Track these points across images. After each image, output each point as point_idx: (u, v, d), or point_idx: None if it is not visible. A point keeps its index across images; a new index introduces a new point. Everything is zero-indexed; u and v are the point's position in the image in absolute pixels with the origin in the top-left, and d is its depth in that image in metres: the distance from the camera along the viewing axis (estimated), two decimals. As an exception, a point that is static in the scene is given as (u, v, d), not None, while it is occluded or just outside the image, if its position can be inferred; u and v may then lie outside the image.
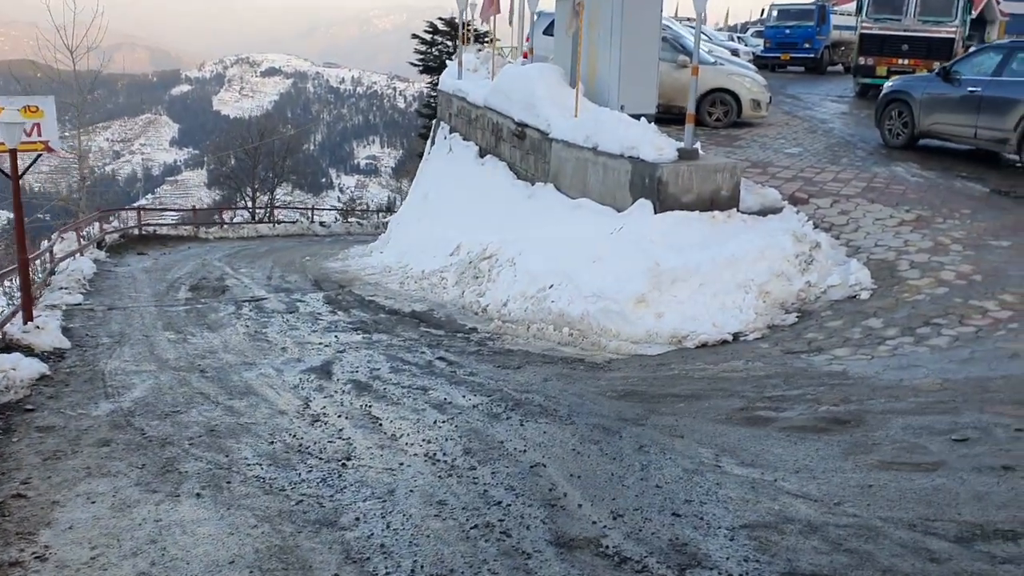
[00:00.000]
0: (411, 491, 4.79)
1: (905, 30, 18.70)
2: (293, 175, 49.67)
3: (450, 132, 18.35)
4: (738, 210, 10.08)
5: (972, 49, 14.81)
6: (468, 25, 22.05)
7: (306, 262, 17.54)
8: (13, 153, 9.09)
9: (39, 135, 9.79)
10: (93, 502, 4.75)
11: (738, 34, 36.51)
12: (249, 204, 40.43)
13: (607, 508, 4.48)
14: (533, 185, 12.99)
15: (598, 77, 12.87)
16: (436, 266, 12.71)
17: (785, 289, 8.66)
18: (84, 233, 19.13)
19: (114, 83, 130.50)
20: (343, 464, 5.28)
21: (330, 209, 45.29)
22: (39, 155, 10.15)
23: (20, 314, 9.46)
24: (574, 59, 12.81)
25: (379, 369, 7.76)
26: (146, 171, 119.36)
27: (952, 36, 18.40)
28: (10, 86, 27.68)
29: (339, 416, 6.30)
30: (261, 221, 33.06)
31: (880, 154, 13.33)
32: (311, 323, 10.23)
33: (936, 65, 14.83)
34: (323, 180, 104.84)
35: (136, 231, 23.26)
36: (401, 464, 5.24)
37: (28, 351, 8.18)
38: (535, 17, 17.38)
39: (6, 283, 14.98)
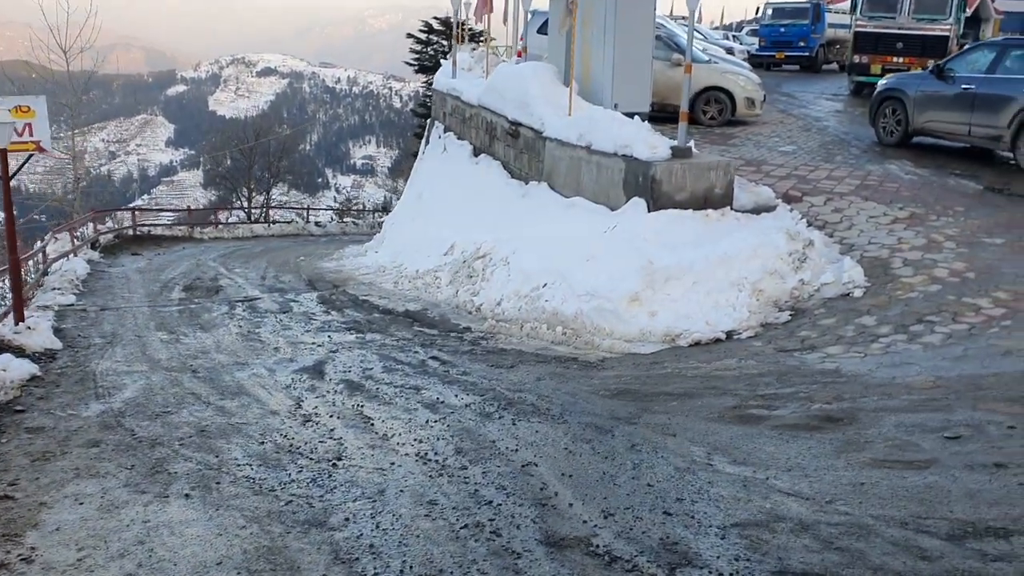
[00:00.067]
0: (401, 491, 4.77)
1: (899, 28, 18.70)
2: (289, 175, 49.60)
3: (444, 131, 18.32)
4: (732, 208, 10.07)
5: (966, 47, 14.81)
6: (463, 24, 22.02)
7: (300, 262, 17.50)
8: (3, 153, 9.05)
9: (31, 135, 9.75)
10: (81, 503, 4.72)
11: (733, 32, 36.49)
12: (245, 204, 40.35)
13: (598, 507, 4.46)
14: (527, 184, 12.97)
15: (592, 76, 12.86)
16: (430, 265, 12.69)
17: (778, 287, 8.65)
18: (78, 234, 19.09)
19: (109, 83, 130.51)
20: (334, 464, 5.25)
21: (326, 209, 45.22)
22: (30, 155, 10.11)
23: (11, 315, 9.43)
24: (568, 58, 12.78)
25: (372, 369, 7.74)
26: (142, 172, 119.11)
27: (946, 34, 18.40)
28: (4, 87, 27.59)
29: (331, 416, 6.27)
30: (256, 221, 33.01)
31: (874, 152, 13.32)
32: (304, 323, 10.20)
33: (930, 63, 14.83)
34: (319, 180, 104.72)
35: (131, 231, 23.20)
36: (392, 464, 5.21)
37: (19, 352, 8.14)
38: (529, 16, 17.36)
39: (-1, 284, 14.93)
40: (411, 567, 3.90)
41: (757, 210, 10.18)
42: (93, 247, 18.99)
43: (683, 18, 25.33)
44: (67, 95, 25.60)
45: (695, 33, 18.11)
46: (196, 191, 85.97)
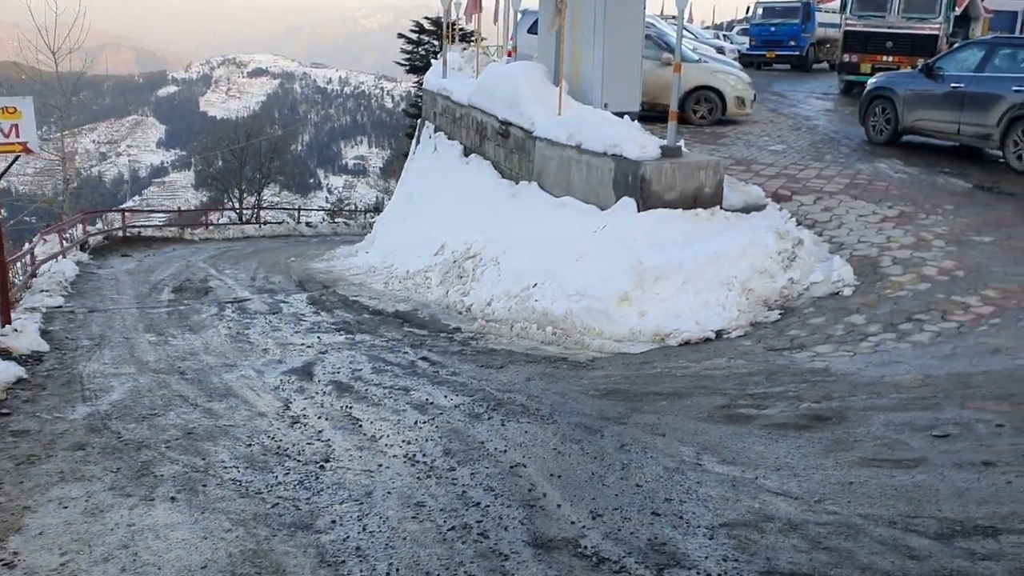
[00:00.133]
0: (389, 493, 4.74)
1: (889, 27, 18.75)
2: (280, 176, 49.41)
3: (435, 131, 18.29)
4: (721, 207, 10.07)
5: (955, 46, 14.84)
6: (454, 25, 21.99)
7: (291, 263, 17.45)
8: (-11, 155, 8.98)
9: (17, 136, 9.66)
10: (65, 507, 4.68)
11: (724, 32, 36.54)
12: (236, 205, 40.23)
13: (586, 508, 4.44)
14: (517, 184, 12.95)
15: (582, 75, 12.84)
16: (421, 266, 12.65)
17: (768, 286, 8.65)
18: (67, 235, 19.01)
19: (99, 84, 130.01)
20: (321, 466, 5.22)
21: (317, 210, 45.14)
22: (17, 157, 10.03)
23: (-2, 317, 9.36)
24: (557, 57, 12.77)
25: (361, 370, 7.70)
26: (133, 173, 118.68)
27: (936, 33, 18.45)
28: (-7, 88, 27.45)
29: (319, 418, 6.24)
30: (247, 222, 32.92)
31: (864, 151, 13.34)
32: (294, 324, 10.16)
33: (920, 62, 14.86)
34: (311, 181, 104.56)
35: (120, 233, 23.10)
36: (380, 466, 5.18)
37: (5, 354, 8.08)
38: (519, 16, 17.34)
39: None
40: (397, 570, 3.87)
41: (747, 209, 10.18)
42: (82, 248, 18.90)
43: (673, 17, 25.36)
44: (56, 96, 25.49)
45: (685, 32, 18.15)
46: (187, 192, 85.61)
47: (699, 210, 9.87)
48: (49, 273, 14.27)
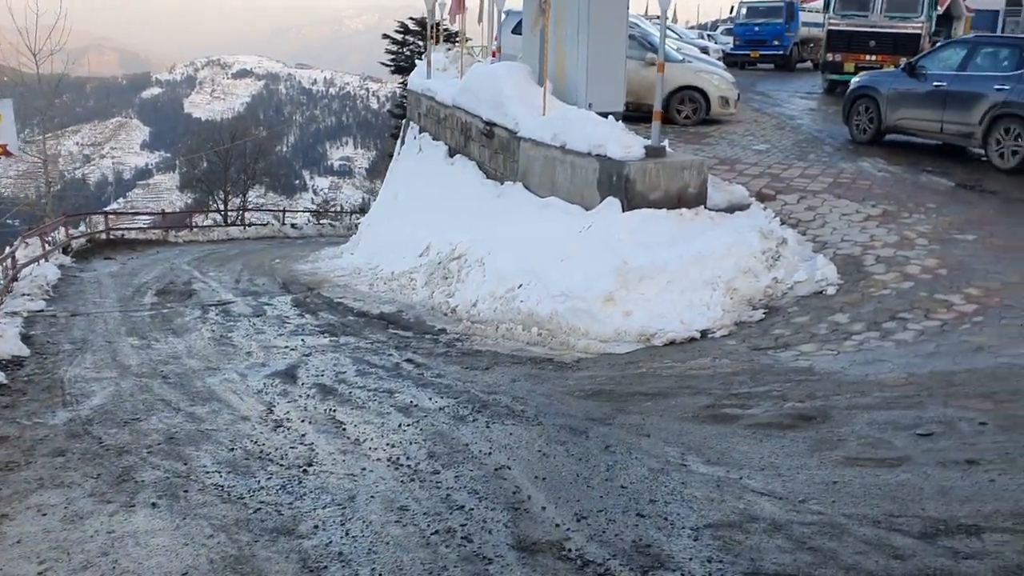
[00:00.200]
0: (372, 497, 4.71)
1: (872, 26, 18.83)
2: (266, 177, 49.30)
3: (420, 132, 18.24)
4: (706, 207, 10.08)
5: (938, 45, 14.91)
6: (438, 25, 21.95)
7: (276, 265, 17.36)
8: (-32, 157, 8.91)
9: (-4, 139, 9.61)
10: (44, 514, 4.63)
11: (708, 32, 36.63)
12: (221, 207, 40.05)
13: (571, 510, 4.42)
14: (502, 184, 12.92)
15: (566, 75, 12.83)
16: (406, 267, 12.61)
17: (752, 286, 8.66)
18: (49, 238, 18.85)
19: (82, 86, 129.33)
20: (304, 470, 5.18)
21: (303, 211, 44.97)
22: (-4, 159, 9.95)
23: (-22, 322, 9.27)
24: (542, 57, 12.75)
25: (345, 372, 7.67)
26: (117, 175, 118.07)
27: (918, 32, 18.55)
28: (-27, 90, 27.22)
29: (302, 421, 6.20)
30: (232, 224, 32.76)
31: (847, 150, 13.38)
32: (278, 326, 10.11)
33: (902, 61, 14.93)
34: (296, 182, 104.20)
35: (104, 236, 22.94)
36: (363, 469, 5.15)
37: (-15, 360, 8.01)
38: (503, 16, 17.32)
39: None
40: (380, 575, 3.84)
41: (731, 209, 10.19)
42: (65, 252, 18.75)
43: (657, 17, 25.39)
44: (38, 98, 25.30)
45: (669, 32, 18.17)
46: (172, 194, 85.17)
47: (683, 210, 9.88)
48: (31, 277, 14.14)
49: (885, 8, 18.70)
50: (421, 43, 35.25)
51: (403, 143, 19.66)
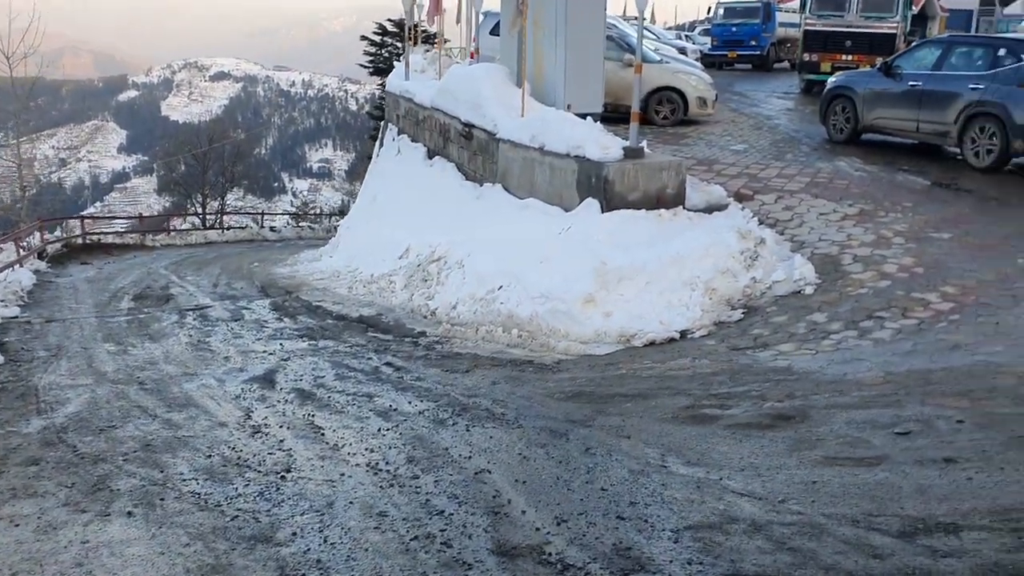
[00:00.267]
0: (351, 503, 4.67)
1: (848, 26, 18.97)
2: (245, 180, 49.01)
3: (398, 134, 18.20)
4: (684, 208, 10.10)
5: (913, 44, 15.03)
6: (416, 27, 21.89)
7: (254, 268, 17.26)
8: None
9: (-33, 143, 9.48)
10: (17, 525, 4.55)
11: (686, 32, 36.78)
12: (199, 210, 39.79)
13: (551, 514, 4.40)
14: (481, 186, 12.90)
15: (544, 77, 12.82)
16: (385, 269, 12.56)
17: (731, 286, 8.68)
18: (24, 244, 18.66)
19: (58, 89, 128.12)
20: (282, 476, 5.13)
21: (282, 213, 44.76)
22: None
23: (-49, 329, 9.15)
24: (520, 59, 12.75)
25: (324, 377, 7.61)
26: (94, 179, 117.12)
27: (893, 32, 18.70)
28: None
29: (280, 427, 6.15)
30: (210, 227, 32.55)
31: (824, 149, 13.46)
32: (256, 331, 10.03)
33: (878, 60, 15.03)
34: (275, 184, 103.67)
35: (80, 240, 22.74)
36: (342, 475, 5.11)
37: (-42, 367, 7.90)
38: (481, 17, 17.30)
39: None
40: (359, 582, 3.81)
41: (709, 209, 10.21)
42: (40, 257, 18.57)
43: (635, 18, 25.45)
44: (12, 102, 25.05)
45: (647, 33, 18.23)
46: (150, 197, 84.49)
47: (662, 210, 9.89)
48: (5, 283, 13.97)
49: (861, 8, 18.84)
50: (399, 45, 35.16)
51: (382, 145, 19.61)
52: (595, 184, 10.09)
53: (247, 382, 7.49)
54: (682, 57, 18.88)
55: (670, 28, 40.73)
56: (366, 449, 5.56)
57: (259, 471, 5.25)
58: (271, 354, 8.65)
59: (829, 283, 8.55)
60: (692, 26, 45.03)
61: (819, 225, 10.00)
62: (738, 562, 3.76)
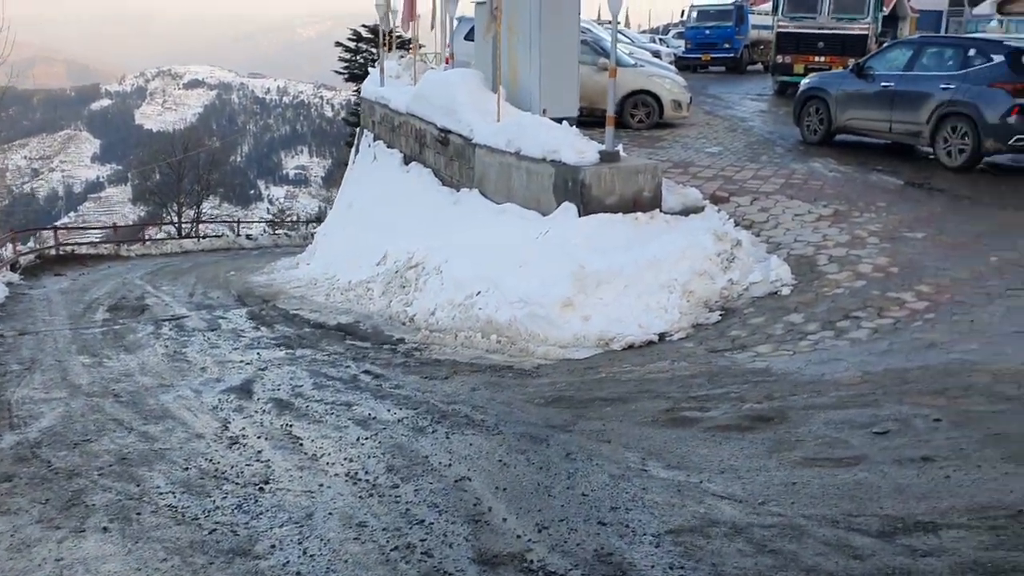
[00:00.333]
0: (330, 514, 4.63)
1: (820, 28, 19.13)
2: (220, 188, 48.86)
3: (374, 140, 18.15)
4: (661, 211, 10.12)
5: (884, 45, 15.18)
6: (391, 32, 21.86)
7: (231, 277, 17.14)
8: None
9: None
10: (-10, 543, 4.49)
11: (660, 36, 36.94)
12: (175, 219, 39.53)
13: (532, 521, 4.38)
14: (458, 191, 12.88)
15: (519, 81, 12.83)
16: (362, 276, 12.51)
17: (708, 288, 8.71)
18: (-4, 255, 18.46)
19: (29, 98, 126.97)
20: (260, 488, 5.08)
21: (258, 221, 44.55)
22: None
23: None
24: (495, 64, 12.75)
25: (302, 386, 7.56)
26: (67, 189, 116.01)
27: (865, 33, 18.88)
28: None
29: (258, 437, 6.09)
30: (186, 236, 32.33)
31: (798, 151, 13.55)
32: (233, 340, 9.95)
33: (850, 62, 15.16)
34: (252, 192, 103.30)
35: (54, 251, 22.51)
36: (321, 486, 5.07)
37: (-72, 383, 7.78)
38: (455, 23, 17.30)
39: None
40: (339, 594, 3.78)
41: (685, 212, 10.25)
42: (13, 269, 18.36)
43: (609, 22, 25.52)
44: (-18, 112, 24.79)
45: (621, 37, 18.27)
46: (125, 207, 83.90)
47: (639, 214, 9.91)
48: (-24, 296, 13.81)
49: (832, 10, 19.01)
50: (374, 51, 35.09)
51: (358, 151, 19.55)
52: (572, 188, 10.10)
53: (224, 393, 7.42)
54: (656, 60, 18.97)
55: (644, 32, 40.95)
56: (345, 459, 5.52)
57: (237, 483, 5.20)
58: (248, 364, 8.58)
59: (805, 284, 8.60)
60: (666, 29, 45.25)
61: (794, 226, 10.06)
62: (719, 566, 3.75)
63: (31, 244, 22.93)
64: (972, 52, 11.87)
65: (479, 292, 9.62)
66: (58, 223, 49.37)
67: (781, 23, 19.70)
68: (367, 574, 3.92)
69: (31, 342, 10.44)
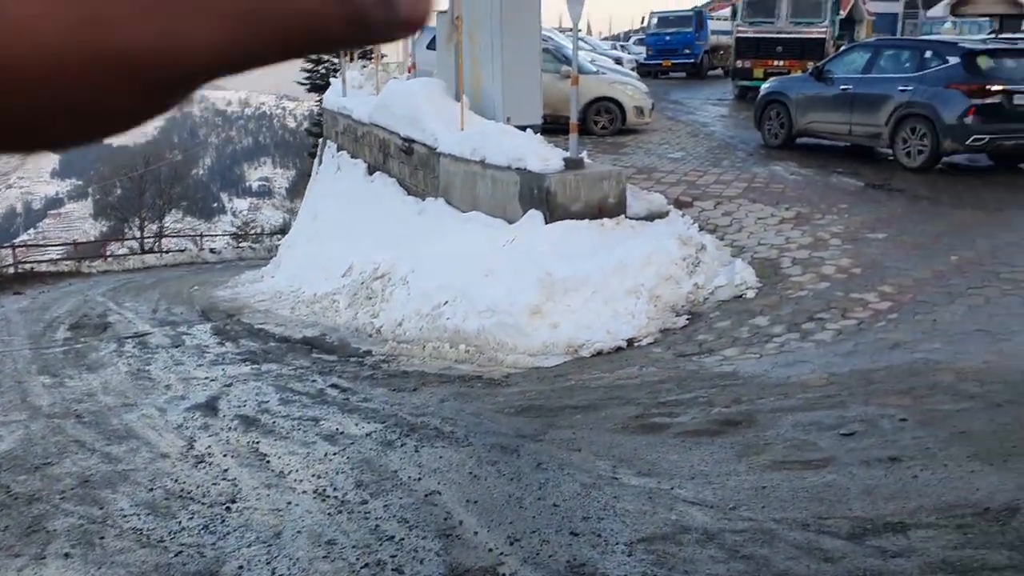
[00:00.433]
0: (299, 532, 4.56)
1: (778, 32, 19.29)
2: (183, 201, 48.35)
3: (337, 150, 18.02)
4: (626, 216, 10.14)
5: (842, 48, 15.37)
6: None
7: (194, 292, 16.92)
8: None
9: None
10: (-53, 574, 4.37)
11: (621, 43, 37.15)
12: (137, 234, 39.03)
13: (504, 533, 4.35)
14: (424, 200, 12.82)
15: (482, 90, 12.81)
16: (328, 288, 12.39)
17: (674, 292, 8.73)
18: (-48, 275, 18.09)
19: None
20: (227, 508, 5.00)
21: (222, 234, 44.10)
22: None
23: None
24: (457, 73, 12.72)
25: (268, 402, 7.46)
26: (26, 205, 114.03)
27: (823, 36, 19.08)
28: None
29: (224, 455, 6.00)
30: (149, 251, 31.93)
31: (760, 154, 13.66)
32: (197, 357, 9.81)
33: (809, 65, 15.33)
34: (215, 205, 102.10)
35: (12, 270, 22.12)
36: (289, 503, 5.00)
37: None
38: (418, 32, 17.24)
39: None
40: (309, 614, 3.72)
41: (650, 217, 10.28)
42: (-31, 289, 18.00)
43: (570, 30, 25.60)
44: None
45: (583, 44, 18.35)
46: (86, 223, 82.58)
47: (604, 220, 9.93)
48: (-68, 317, 13.52)
49: (791, 14, 19.18)
50: (336, 61, 34.93)
51: (321, 162, 19.41)
52: (537, 195, 10.09)
53: (189, 410, 7.30)
54: (618, 67, 19.06)
55: (605, 39, 41.16)
56: (313, 475, 5.45)
57: (203, 503, 5.11)
58: (213, 380, 8.46)
59: (770, 286, 8.66)
60: (627, 36, 45.53)
61: (758, 229, 10.13)
62: (692, 573, 3.75)
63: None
64: (928, 54, 12.04)
65: (446, 302, 9.57)
66: (16, 240, 48.57)
67: (740, 28, 19.85)
68: (337, 593, 3.87)
69: (-11, 363, 10.23)
